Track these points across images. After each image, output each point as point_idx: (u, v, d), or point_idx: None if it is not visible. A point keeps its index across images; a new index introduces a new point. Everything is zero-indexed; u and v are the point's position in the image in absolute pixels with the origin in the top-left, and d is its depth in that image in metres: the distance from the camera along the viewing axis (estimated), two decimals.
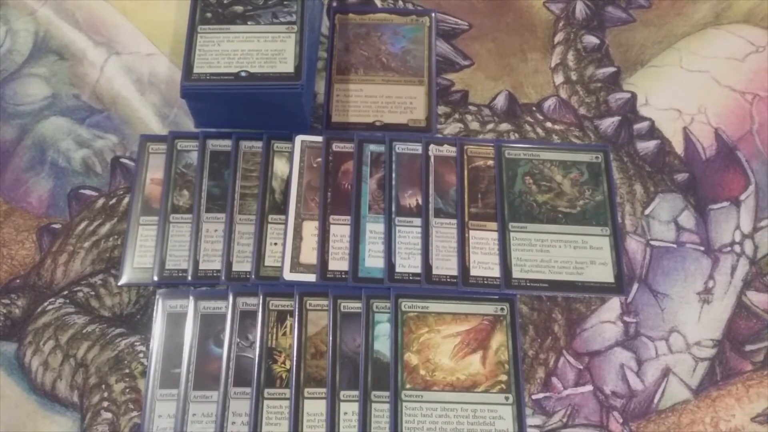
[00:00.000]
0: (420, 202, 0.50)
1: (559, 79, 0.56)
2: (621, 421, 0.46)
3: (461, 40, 0.58)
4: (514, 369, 0.46)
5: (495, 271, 0.48)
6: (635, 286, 0.49)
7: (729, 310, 0.49)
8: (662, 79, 0.56)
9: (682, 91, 0.56)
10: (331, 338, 0.46)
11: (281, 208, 0.50)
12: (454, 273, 0.48)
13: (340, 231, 0.49)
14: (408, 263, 0.48)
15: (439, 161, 0.52)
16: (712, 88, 0.56)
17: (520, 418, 0.45)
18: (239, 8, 0.50)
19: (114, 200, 0.51)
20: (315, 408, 0.45)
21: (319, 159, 0.52)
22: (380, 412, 0.45)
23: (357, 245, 0.49)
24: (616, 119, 0.55)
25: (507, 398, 0.45)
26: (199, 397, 0.45)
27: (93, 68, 0.56)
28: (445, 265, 0.48)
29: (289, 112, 0.50)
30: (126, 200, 0.51)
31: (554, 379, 0.47)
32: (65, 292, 0.48)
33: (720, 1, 0.60)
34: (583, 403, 0.46)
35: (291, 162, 0.51)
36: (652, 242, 0.51)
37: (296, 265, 0.48)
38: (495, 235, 0.50)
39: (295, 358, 0.46)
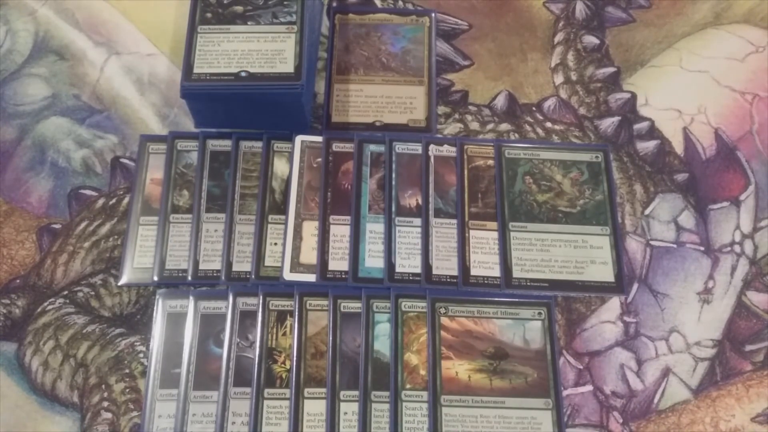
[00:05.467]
0: (420, 202, 0.50)
1: (559, 79, 0.56)
2: (621, 421, 0.46)
3: (461, 40, 0.58)
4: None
5: (495, 271, 0.48)
6: (635, 286, 0.49)
7: (729, 310, 0.49)
8: (662, 79, 0.56)
9: (682, 92, 0.56)
10: (331, 338, 0.46)
11: (281, 208, 0.50)
12: (455, 273, 0.48)
13: (340, 231, 0.49)
14: (408, 263, 0.48)
15: (439, 161, 0.52)
16: (712, 88, 0.56)
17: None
18: (239, 8, 0.50)
19: (114, 200, 0.51)
20: (315, 408, 0.45)
21: (319, 159, 0.51)
22: (380, 412, 0.45)
23: (357, 245, 0.49)
24: (616, 119, 0.55)
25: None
26: (199, 397, 0.45)
27: (93, 68, 0.56)
28: (445, 265, 0.48)
29: (289, 112, 0.50)
30: (126, 200, 0.51)
31: None
32: (65, 292, 0.48)
33: (720, 1, 0.60)
34: (583, 403, 0.46)
35: (291, 162, 0.51)
36: (652, 242, 0.51)
37: (296, 265, 0.48)
38: (495, 234, 0.50)
39: (295, 358, 0.46)
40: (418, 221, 0.50)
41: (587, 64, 0.57)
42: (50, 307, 0.48)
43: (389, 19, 0.57)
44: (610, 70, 0.57)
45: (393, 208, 0.50)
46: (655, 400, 0.47)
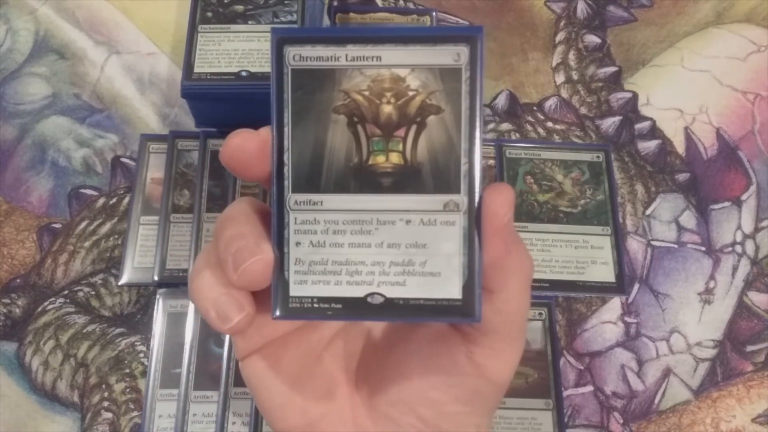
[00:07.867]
0: None
1: (560, 78, 0.56)
2: (621, 421, 0.46)
3: None
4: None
5: None
6: (636, 286, 0.49)
7: (730, 311, 0.49)
8: (664, 78, 0.56)
9: (684, 91, 0.56)
10: None
11: None
12: None
13: None
14: None
15: None
16: (714, 88, 0.56)
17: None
18: (240, 7, 0.50)
19: (114, 200, 0.51)
20: None
21: None
22: None
23: None
24: (617, 119, 0.55)
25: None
26: (199, 397, 0.45)
27: (93, 67, 0.56)
28: None
29: None
30: (126, 200, 0.51)
31: None
32: (65, 292, 0.48)
33: (722, 0, 0.60)
34: (583, 403, 0.46)
35: None
36: (653, 242, 0.51)
37: None
38: None
39: None
40: None
41: (588, 64, 0.57)
42: (50, 306, 0.48)
43: (390, 19, 0.57)
44: (612, 69, 0.57)
45: None
46: (656, 401, 0.47)
